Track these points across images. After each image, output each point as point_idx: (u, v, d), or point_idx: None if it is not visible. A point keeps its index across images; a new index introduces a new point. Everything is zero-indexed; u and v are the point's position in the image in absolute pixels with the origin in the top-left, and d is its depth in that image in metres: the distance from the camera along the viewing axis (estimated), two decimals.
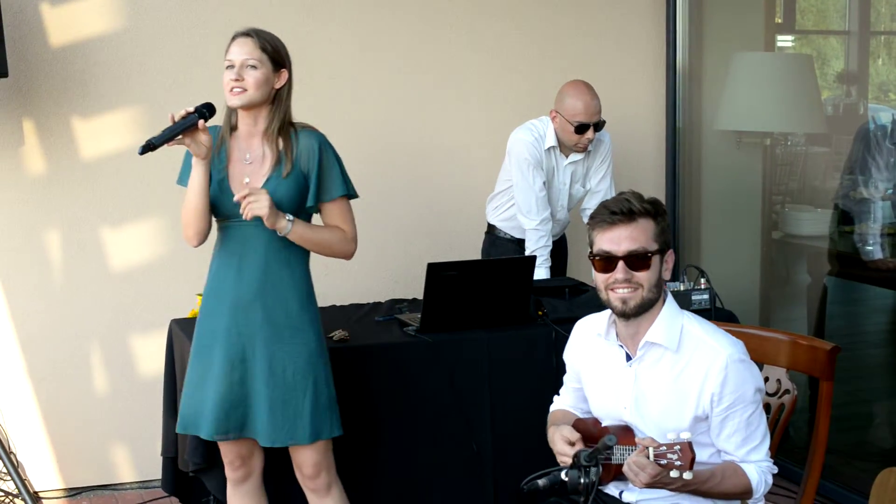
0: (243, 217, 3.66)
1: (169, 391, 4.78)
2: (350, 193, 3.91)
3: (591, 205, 5.46)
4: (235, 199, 3.67)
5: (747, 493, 3.19)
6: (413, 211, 5.91)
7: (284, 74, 3.82)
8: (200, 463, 4.28)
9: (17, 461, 5.22)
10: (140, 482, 5.60)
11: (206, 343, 3.86)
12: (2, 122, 5.31)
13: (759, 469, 3.19)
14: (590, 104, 5.20)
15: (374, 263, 5.75)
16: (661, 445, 2.95)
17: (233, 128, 3.86)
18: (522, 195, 5.33)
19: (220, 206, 3.78)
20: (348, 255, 3.96)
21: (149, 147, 3.60)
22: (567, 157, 5.37)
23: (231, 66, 3.74)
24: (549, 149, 5.32)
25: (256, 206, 3.64)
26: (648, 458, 2.95)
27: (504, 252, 5.51)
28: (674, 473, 2.91)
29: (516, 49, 6.08)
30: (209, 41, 5.53)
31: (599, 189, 5.45)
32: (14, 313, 5.42)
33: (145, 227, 5.56)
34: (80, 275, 5.48)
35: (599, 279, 3.24)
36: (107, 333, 5.53)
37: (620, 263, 3.18)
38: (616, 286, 3.20)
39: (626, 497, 3.30)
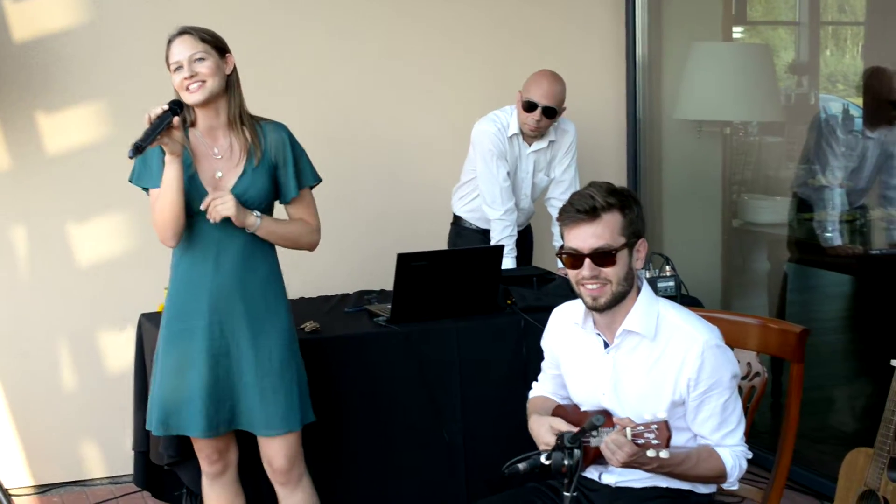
0: (210, 221, 3.66)
1: (139, 385, 4.76)
2: (317, 181, 3.96)
3: (555, 194, 5.50)
4: (202, 206, 3.66)
5: (721, 476, 3.24)
6: (378, 202, 5.92)
7: (231, 59, 3.82)
8: (175, 456, 4.27)
9: None
10: (111, 477, 5.59)
11: (179, 342, 3.83)
12: None
13: (733, 453, 3.23)
14: (546, 87, 5.21)
15: (340, 255, 5.76)
16: (639, 425, 3.00)
17: (190, 124, 3.83)
18: (486, 186, 5.36)
19: (191, 203, 3.74)
20: (313, 247, 3.98)
21: (138, 150, 3.56)
22: (530, 145, 5.40)
23: (179, 67, 3.73)
24: (511, 136, 5.35)
25: (223, 207, 3.65)
26: (626, 437, 2.99)
27: (470, 242, 5.54)
28: (650, 453, 2.95)
29: (480, 41, 6.12)
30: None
31: (564, 178, 5.48)
32: None
33: (111, 221, 5.55)
34: (46, 270, 5.46)
35: (570, 275, 3.27)
36: (75, 328, 5.52)
37: (587, 261, 3.20)
38: (585, 282, 3.23)
39: (605, 479, 3.34)
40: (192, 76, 3.70)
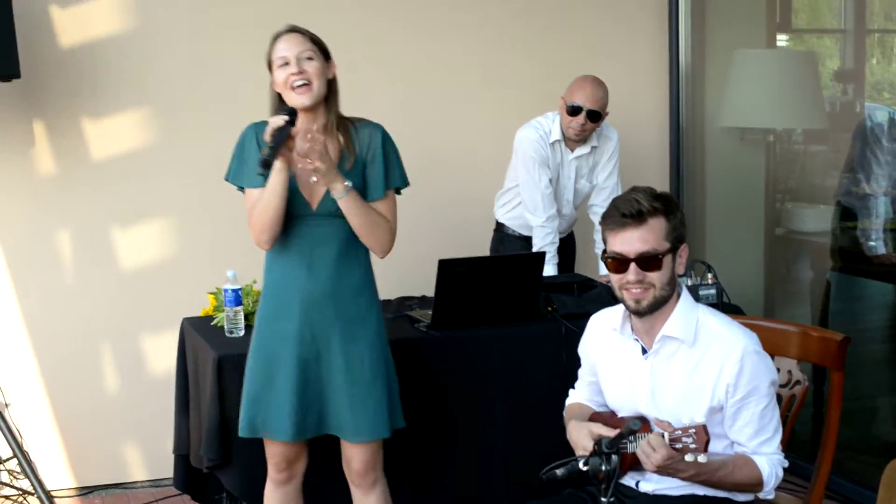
0: (309, 165, 3.60)
1: (181, 389, 4.81)
2: (405, 184, 3.94)
3: (597, 201, 5.50)
4: (300, 153, 3.61)
5: (758, 484, 3.23)
6: (421, 208, 5.91)
7: (333, 65, 3.82)
8: (216, 459, 4.30)
9: (31, 460, 5.25)
10: (152, 481, 5.63)
11: (271, 345, 3.85)
12: (13, 123, 5.34)
13: (770, 461, 3.23)
14: (589, 90, 5.22)
15: (382, 261, 5.75)
16: (677, 429, 3.00)
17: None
18: (528, 193, 5.36)
19: (287, 207, 3.75)
20: (384, 246, 3.88)
21: (266, 165, 3.58)
22: (573, 151, 5.41)
23: (286, 64, 3.72)
24: (553, 143, 5.35)
25: (320, 162, 3.60)
26: (664, 440, 2.99)
27: (512, 249, 5.54)
28: (689, 457, 2.95)
29: (523, 48, 6.13)
30: (219, 42, 5.60)
31: (606, 185, 5.48)
32: (26, 313, 5.45)
33: (155, 226, 5.59)
34: (91, 275, 5.51)
35: (613, 279, 3.27)
36: (118, 332, 5.56)
37: (632, 265, 3.20)
38: (629, 286, 3.23)
39: (642, 487, 3.34)
40: (299, 72, 3.70)
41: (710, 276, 4.97)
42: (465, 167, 6.04)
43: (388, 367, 3.92)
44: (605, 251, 3.28)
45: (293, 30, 3.79)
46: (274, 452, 3.96)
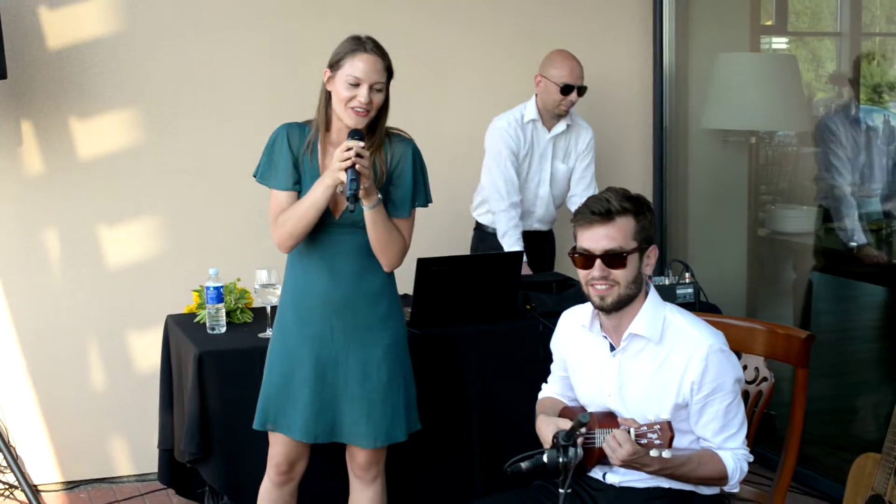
0: (350, 161, 3.57)
1: (165, 385, 4.86)
2: (428, 202, 3.96)
3: (577, 191, 5.62)
4: (341, 148, 3.61)
5: (723, 478, 3.29)
6: None
7: (388, 88, 3.80)
8: (196, 453, 4.36)
9: (17, 454, 5.30)
10: (137, 475, 5.67)
11: (291, 347, 3.88)
12: (0, 122, 5.39)
13: (734, 456, 3.29)
14: (575, 67, 5.40)
15: None
16: (642, 426, 3.07)
17: (322, 129, 3.84)
18: (492, 179, 5.48)
19: None
20: (395, 263, 3.88)
21: (356, 199, 3.59)
22: (550, 130, 5.50)
23: (357, 84, 3.67)
24: (528, 122, 5.47)
25: (360, 165, 3.59)
26: (629, 436, 3.06)
27: (493, 248, 5.58)
28: (653, 453, 3.02)
29: (505, 46, 6.16)
30: (205, 43, 5.64)
31: (586, 175, 5.63)
32: (13, 310, 5.50)
33: (141, 225, 5.63)
34: (77, 272, 5.55)
35: (580, 275, 3.34)
36: (104, 329, 5.61)
37: (598, 262, 3.27)
38: (594, 282, 3.30)
39: (609, 479, 3.40)
40: (367, 103, 3.68)
41: (687, 275, 5.03)
42: (444, 165, 6.03)
43: (406, 372, 3.97)
44: (573, 248, 3.34)
45: (376, 51, 3.73)
46: (278, 452, 3.99)
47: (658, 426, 3.05)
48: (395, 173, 3.83)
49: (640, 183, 6.33)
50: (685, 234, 6.57)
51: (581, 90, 5.41)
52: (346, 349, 3.85)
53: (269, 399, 3.93)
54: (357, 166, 3.57)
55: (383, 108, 3.79)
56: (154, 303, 5.53)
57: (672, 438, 3.05)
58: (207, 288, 4.63)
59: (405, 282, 4.76)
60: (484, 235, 5.69)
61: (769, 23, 6.81)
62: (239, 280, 4.88)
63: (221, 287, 4.65)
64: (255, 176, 3.92)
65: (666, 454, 3.03)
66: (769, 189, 6.66)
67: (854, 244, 5.59)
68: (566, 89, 5.36)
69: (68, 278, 5.55)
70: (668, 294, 4.82)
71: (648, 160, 6.48)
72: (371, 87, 3.68)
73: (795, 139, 6.54)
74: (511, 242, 5.38)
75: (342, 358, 3.86)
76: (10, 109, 5.40)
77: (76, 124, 5.51)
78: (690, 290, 4.98)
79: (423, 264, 4.55)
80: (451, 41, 6.11)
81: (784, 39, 6.76)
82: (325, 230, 3.80)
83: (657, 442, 3.04)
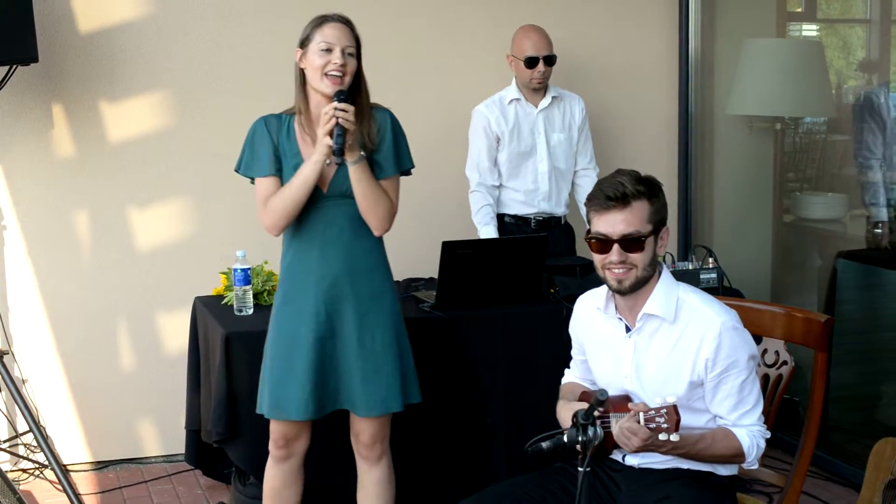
0: (336, 118, 3.68)
1: (193, 366, 4.92)
2: (411, 166, 4.04)
3: (581, 165, 5.71)
4: (325, 110, 3.71)
5: (739, 455, 3.30)
6: (430, 191, 5.94)
7: (360, 59, 3.91)
8: (223, 433, 4.41)
9: (47, 434, 5.36)
10: (165, 456, 5.72)
11: (288, 327, 3.93)
12: (32, 106, 5.45)
13: (750, 433, 3.30)
14: (536, 38, 5.44)
15: (392, 243, 5.82)
16: (650, 410, 3.09)
17: (302, 111, 3.92)
18: (470, 158, 5.56)
19: None
20: (384, 223, 3.93)
21: (342, 153, 3.70)
22: (537, 106, 5.54)
23: (329, 50, 3.78)
24: (511, 102, 5.52)
25: (344, 119, 3.68)
26: (639, 422, 3.08)
27: (509, 234, 5.60)
28: (662, 437, 3.04)
29: None
30: (234, 26, 5.69)
31: (586, 148, 5.70)
32: (44, 292, 5.56)
33: (170, 207, 5.69)
34: (107, 254, 5.62)
35: (596, 259, 3.36)
36: (133, 311, 5.67)
37: (615, 246, 3.29)
38: (611, 266, 3.32)
39: (628, 460, 3.43)
40: (342, 65, 3.78)
41: (710, 260, 5.05)
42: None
43: (402, 343, 4.01)
44: (588, 231, 3.37)
45: (342, 20, 3.86)
46: (274, 429, 4.03)
47: (664, 410, 3.07)
48: (380, 140, 3.91)
49: (665, 168, 6.35)
50: (710, 220, 6.58)
51: (548, 59, 5.44)
52: (343, 321, 3.89)
53: (271, 385, 3.94)
54: (340, 121, 3.67)
55: (360, 80, 3.89)
56: (182, 284, 5.58)
57: (678, 422, 3.06)
58: (235, 270, 4.68)
59: (431, 264, 4.80)
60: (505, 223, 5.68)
61: (799, 10, 6.80)
62: (266, 262, 4.92)
63: (249, 269, 4.70)
64: (236, 170, 3.99)
65: (674, 437, 3.04)
66: (795, 176, 6.65)
67: (878, 232, 5.58)
68: (530, 62, 5.41)
69: (98, 260, 5.61)
70: (691, 279, 4.85)
71: (674, 145, 6.48)
72: (344, 51, 3.79)
73: (821, 126, 6.53)
74: (485, 220, 5.45)
75: (339, 331, 3.90)
76: (42, 93, 5.45)
77: (106, 107, 5.56)
78: (714, 275, 5.00)
79: (449, 247, 4.59)
80: (471, 32, 6.14)
81: (814, 26, 6.74)
82: (315, 205, 3.86)
83: (665, 426, 3.06)
